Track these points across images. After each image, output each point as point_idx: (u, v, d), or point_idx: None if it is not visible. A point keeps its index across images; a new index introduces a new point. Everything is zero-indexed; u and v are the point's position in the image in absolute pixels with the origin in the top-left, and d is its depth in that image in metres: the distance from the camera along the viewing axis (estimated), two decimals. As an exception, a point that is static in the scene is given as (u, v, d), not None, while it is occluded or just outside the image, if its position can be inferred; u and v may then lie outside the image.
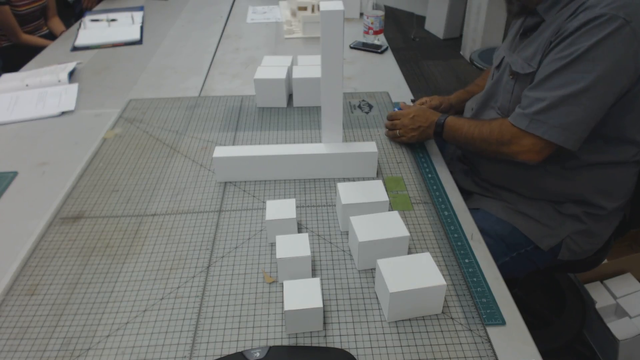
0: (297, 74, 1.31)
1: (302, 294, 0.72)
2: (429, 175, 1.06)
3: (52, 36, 2.25)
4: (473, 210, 1.09)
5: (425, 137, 1.12)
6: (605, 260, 1.55)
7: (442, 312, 0.75)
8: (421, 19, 4.24)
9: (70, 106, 1.36)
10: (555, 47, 0.92)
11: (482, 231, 0.92)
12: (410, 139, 1.12)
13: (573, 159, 1.00)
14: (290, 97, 1.36)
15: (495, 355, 0.69)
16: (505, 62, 1.10)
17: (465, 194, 1.18)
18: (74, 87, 1.46)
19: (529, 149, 0.94)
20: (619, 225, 1.15)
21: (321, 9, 0.88)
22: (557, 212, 1.07)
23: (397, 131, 1.13)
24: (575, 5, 0.92)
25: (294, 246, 0.79)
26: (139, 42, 1.83)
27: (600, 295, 1.51)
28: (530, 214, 1.08)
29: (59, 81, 1.48)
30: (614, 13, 0.85)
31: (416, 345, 0.70)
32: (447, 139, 1.10)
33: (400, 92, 1.42)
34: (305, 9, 1.83)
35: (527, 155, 0.95)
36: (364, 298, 0.78)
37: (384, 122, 1.23)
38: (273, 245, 0.88)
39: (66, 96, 1.41)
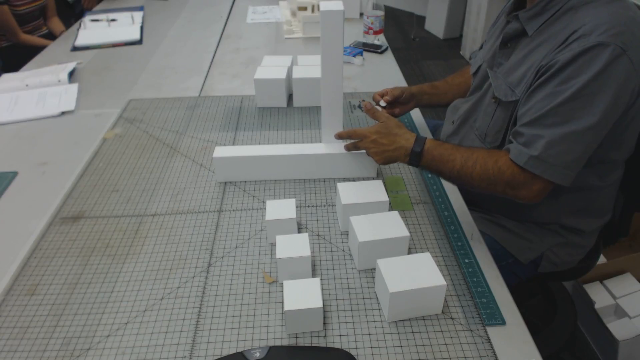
0: (297, 74, 1.31)
1: (302, 294, 0.72)
2: (429, 175, 1.06)
3: (51, 36, 2.25)
4: None
5: (394, 161, 0.97)
6: (605, 260, 1.55)
7: (442, 312, 0.75)
8: (421, 19, 4.24)
9: (70, 106, 1.36)
10: (548, 80, 0.84)
11: None
12: (378, 161, 0.97)
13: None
14: (290, 97, 1.36)
15: (495, 355, 0.69)
16: (487, 82, 1.02)
17: None
18: (74, 87, 1.46)
19: (537, 194, 0.87)
20: (609, 233, 1.11)
21: (321, 9, 0.88)
22: (537, 226, 1.04)
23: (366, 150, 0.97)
24: (564, 31, 0.85)
25: (294, 246, 0.80)
26: (139, 42, 1.83)
27: (599, 296, 1.51)
28: (510, 226, 1.05)
29: (59, 81, 1.48)
30: (610, 41, 0.78)
31: (416, 345, 0.70)
32: (426, 169, 0.96)
33: (400, 92, 1.42)
34: (305, 9, 1.83)
35: (533, 199, 0.88)
36: (364, 298, 0.78)
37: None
38: (273, 245, 0.88)
39: (66, 96, 1.41)
